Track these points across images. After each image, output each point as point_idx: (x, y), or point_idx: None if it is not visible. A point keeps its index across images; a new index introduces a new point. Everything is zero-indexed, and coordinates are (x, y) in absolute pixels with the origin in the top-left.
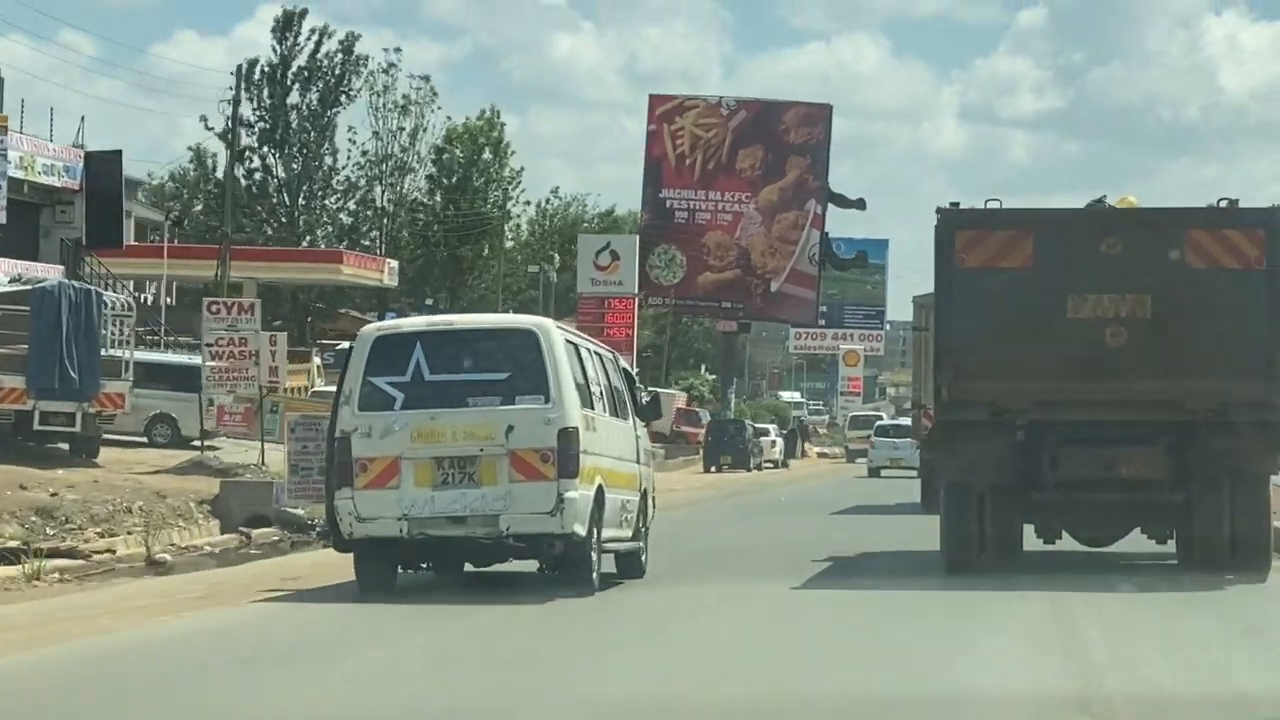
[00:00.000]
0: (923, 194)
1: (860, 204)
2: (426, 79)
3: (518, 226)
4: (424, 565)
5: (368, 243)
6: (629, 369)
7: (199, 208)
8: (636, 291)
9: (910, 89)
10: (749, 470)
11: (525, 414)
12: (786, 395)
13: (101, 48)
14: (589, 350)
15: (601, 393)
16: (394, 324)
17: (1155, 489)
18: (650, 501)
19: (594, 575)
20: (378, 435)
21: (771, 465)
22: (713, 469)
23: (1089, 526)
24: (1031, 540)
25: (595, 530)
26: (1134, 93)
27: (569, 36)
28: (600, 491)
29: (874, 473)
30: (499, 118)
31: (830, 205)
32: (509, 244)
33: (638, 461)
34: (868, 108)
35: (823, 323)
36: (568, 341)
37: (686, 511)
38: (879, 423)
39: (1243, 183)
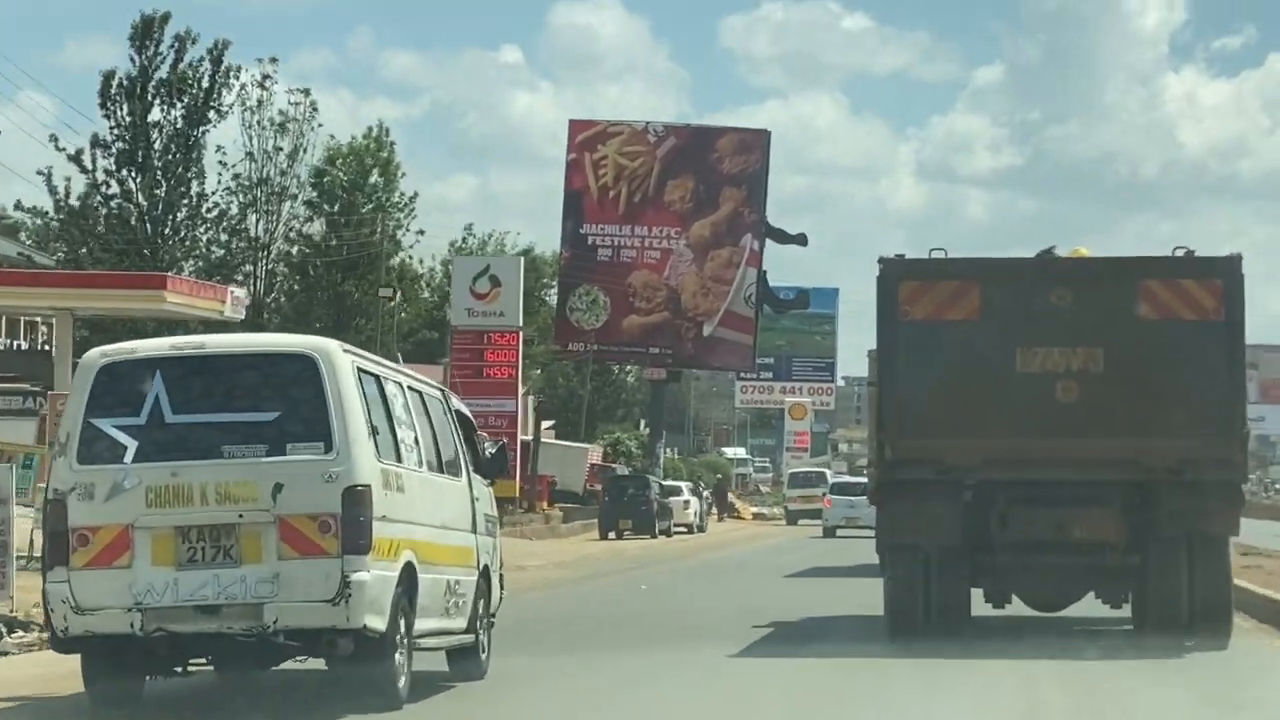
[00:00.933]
0: (880, 249)
1: (801, 239)
2: (306, 92)
3: (412, 260)
4: (178, 669)
5: (240, 278)
6: (465, 412)
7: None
8: (520, 324)
9: (868, 146)
10: (654, 536)
11: (299, 468)
12: (731, 452)
13: None
14: (399, 384)
15: (416, 440)
16: (126, 348)
17: (1110, 551)
18: (495, 581)
19: (399, 684)
20: (101, 497)
21: (685, 530)
22: (610, 535)
23: (1041, 590)
24: (980, 604)
25: (402, 622)
26: (1092, 149)
27: (527, 95)
28: (410, 570)
29: (829, 532)
30: (388, 135)
31: (769, 240)
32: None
33: (473, 530)
34: (826, 164)
35: (769, 375)
36: (362, 371)
37: (539, 595)
38: (835, 480)
39: (1201, 238)
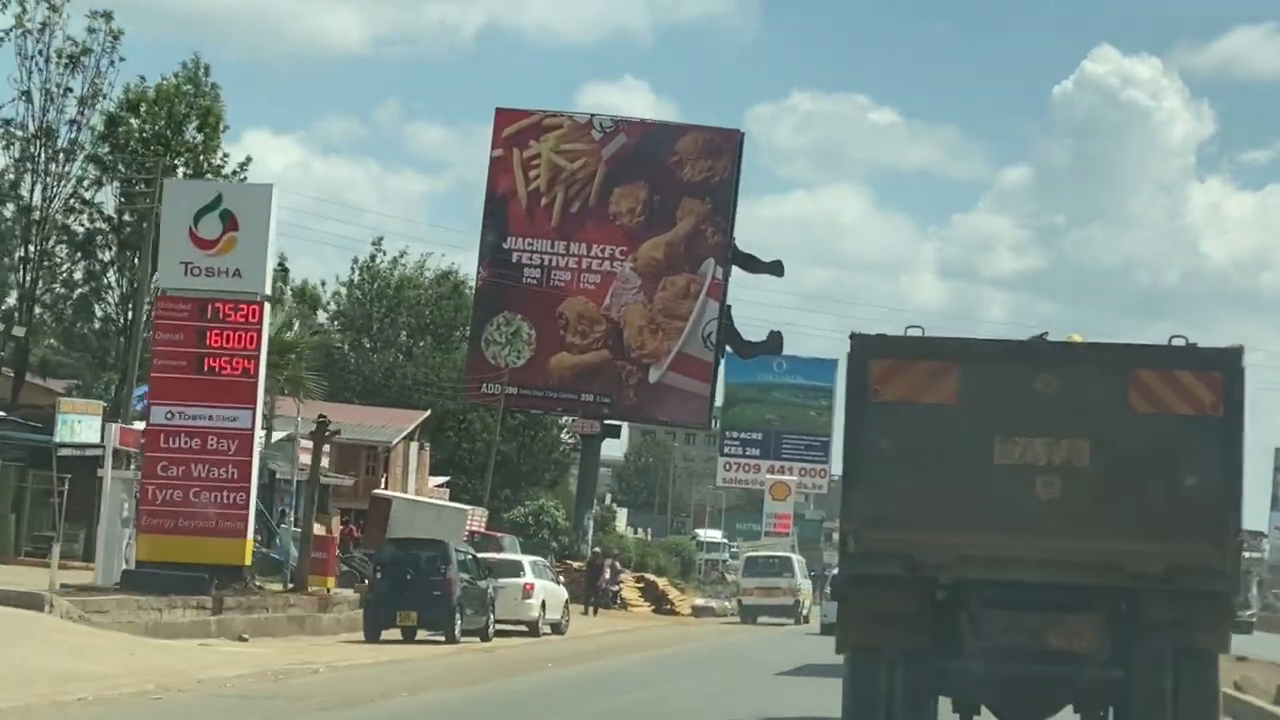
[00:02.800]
0: None
1: (776, 268)
2: (108, 17)
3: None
4: None
5: (6, 260)
6: None
7: None
8: (269, 292)
9: (891, 241)
10: (454, 639)
11: None
12: (705, 534)
13: None
14: None
15: None
16: None
17: (1089, 663)
18: None
19: None
20: None
21: (525, 630)
22: (387, 633)
23: (1013, 702)
24: (947, 714)
25: None
26: (1114, 255)
27: None
28: None
29: (827, 630)
30: (208, 75)
31: (736, 269)
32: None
33: None
34: (848, 258)
35: (755, 452)
36: None
37: None
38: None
39: None
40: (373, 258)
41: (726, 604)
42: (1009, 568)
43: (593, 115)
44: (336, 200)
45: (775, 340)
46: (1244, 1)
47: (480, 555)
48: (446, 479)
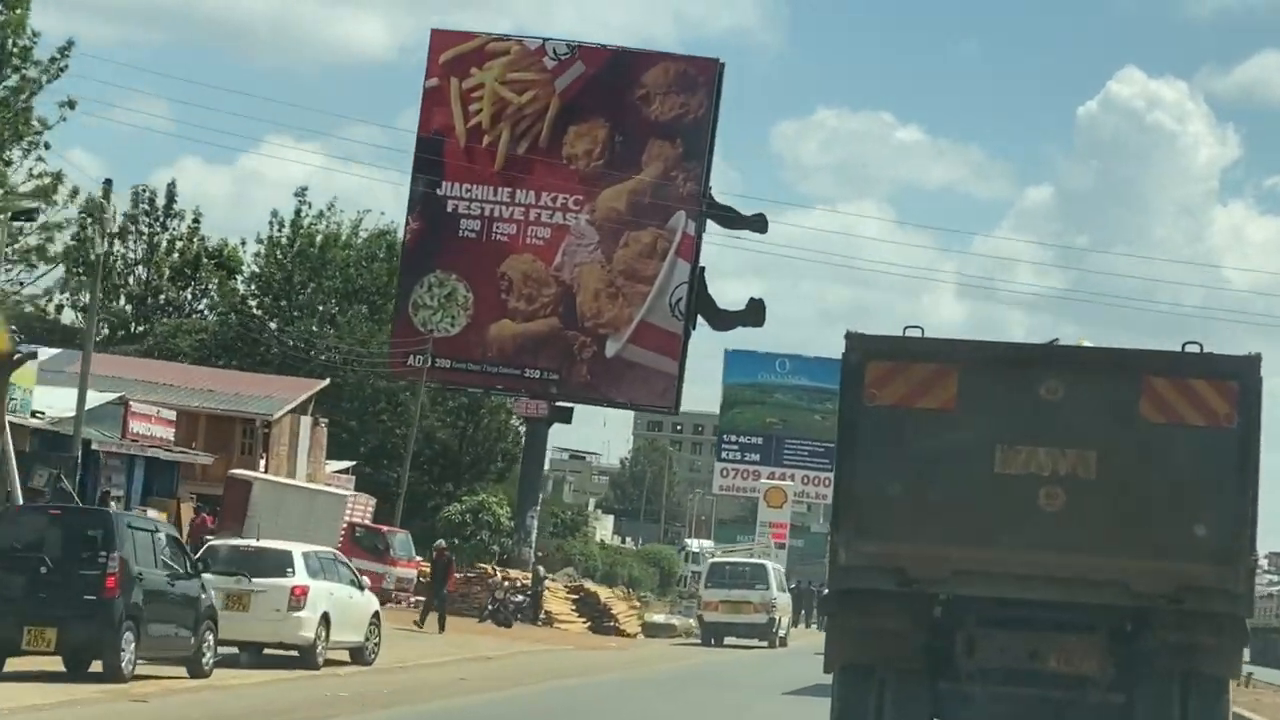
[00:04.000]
0: None
1: (759, 223)
2: None
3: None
4: None
5: None
6: None
7: None
8: None
9: (912, 259)
10: (123, 675)
11: None
12: (697, 544)
13: None
14: None
15: None
16: None
17: (1091, 686)
18: None
19: None
20: None
21: (298, 657)
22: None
23: None
24: None
25: None
26: (1135, 278)
27: None
28: None
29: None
30: None
31: (713, 224)
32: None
33: None
34: (869, 276)
35: (755, 457)
36: None
37: None
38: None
39: None
40: (297, 212)
41: (692, 621)
42: (1008, 584)
43: (545, 40)
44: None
45: (756, 309)
46: (1270, 26)
47: (235, 543)
48: (350, 465)
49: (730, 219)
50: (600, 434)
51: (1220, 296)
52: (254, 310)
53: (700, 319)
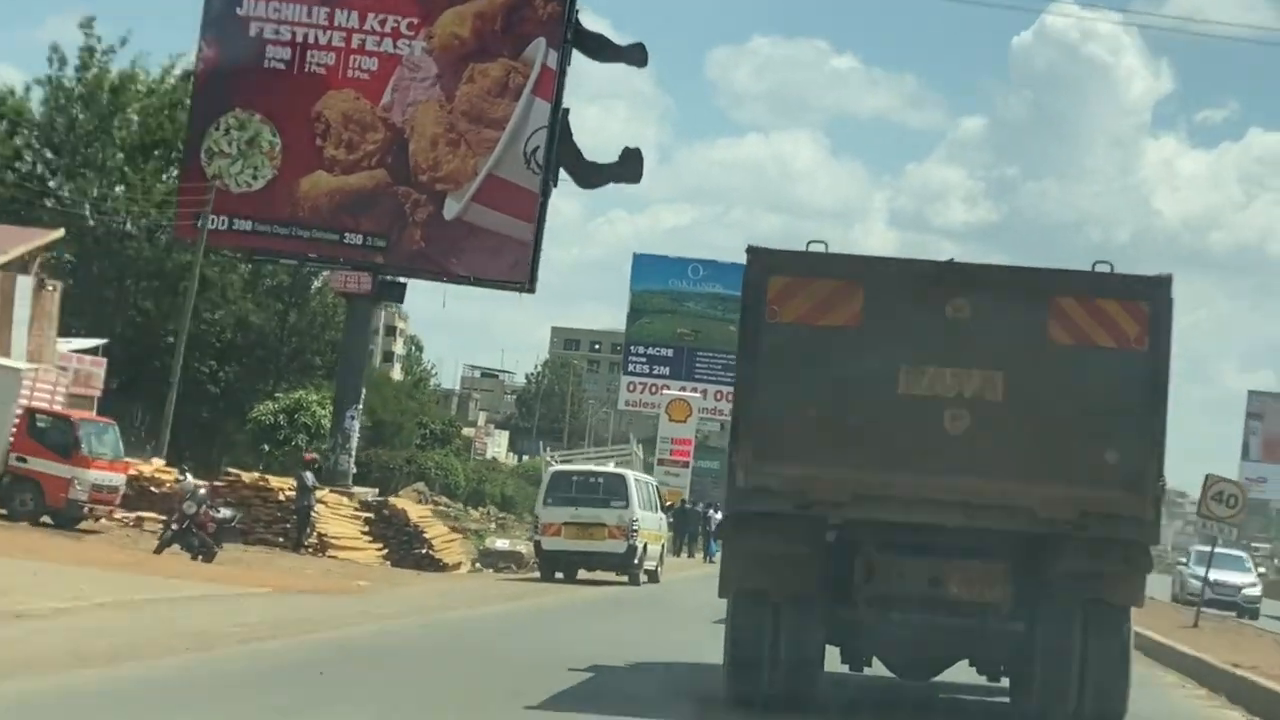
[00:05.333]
0: None
1: (636, 54)
2: None
3: None
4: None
5: None
6: None
7: None
8: None
9: (845, 189)
10: None
11: None
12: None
13: None
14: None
15: None
16: None
17: (992, 613)
18: None
19: None
20: None
21: None
22: None
23: (906, 654)
24: (835, 663)
25: None
26: (1067, 210)
27: None
28: None
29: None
30: None
31: (578, 54)
32: None
33: None
34: (801, 205)
35: (664, 370)
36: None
37: None
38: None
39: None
40: (91, 51)
41: (519, 546)
42: (909, 508)
43: None
44: None
45: (632, 161)
46: None
47: None
48: (100, 343)
49: (601, 49)
50: (516, 353)
51: (1150, 229)
52: (31, 165)
53: (563, 173)
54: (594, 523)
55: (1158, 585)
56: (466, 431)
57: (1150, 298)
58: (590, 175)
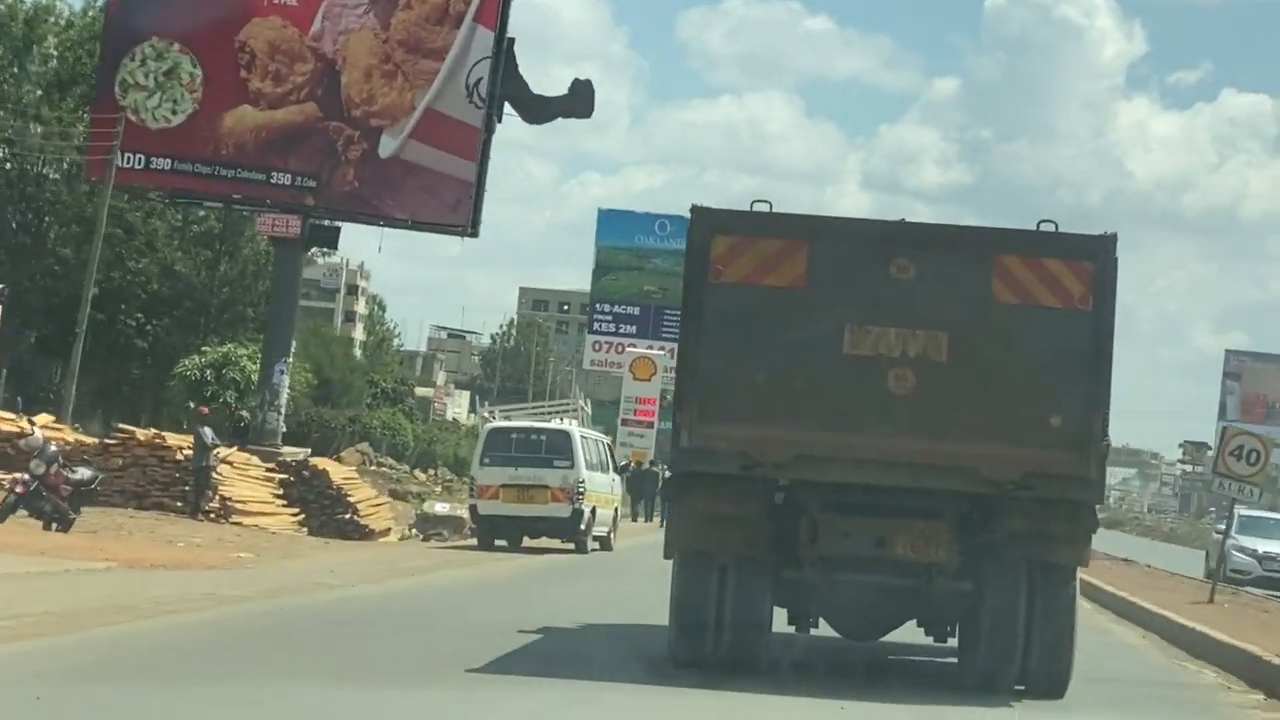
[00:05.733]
0: None
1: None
2: None
3: None
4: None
5: None
6: None
7: None
8: None
9: (818, 150)
10: None
11: None
12: (556, 423)
13: None
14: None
15: None
16: None
17: (938, 574)
18: None
19: None
20: None
21: None
22: None
23: (852, 615)
24: (782, 625)
25: None
26: (1039, 172)
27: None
28: None
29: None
30: None
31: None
32: None
33: None
34: (774, 166)
35: (631, 328)
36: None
37: None
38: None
39: (1140, 269)
40: None
41: (454, 508)
42: (854, 469)
43: None
44: None
45: (582, 93)
46: None
47: None
48: None
49: (541, 109)
50: (486, 315)
51: (1124, 191)
52: None
53: (508, 108)
54: (535, 484)
55: (1186, 561)
56: (427, 392)
57: (1095, 257)
58: (538, 109)
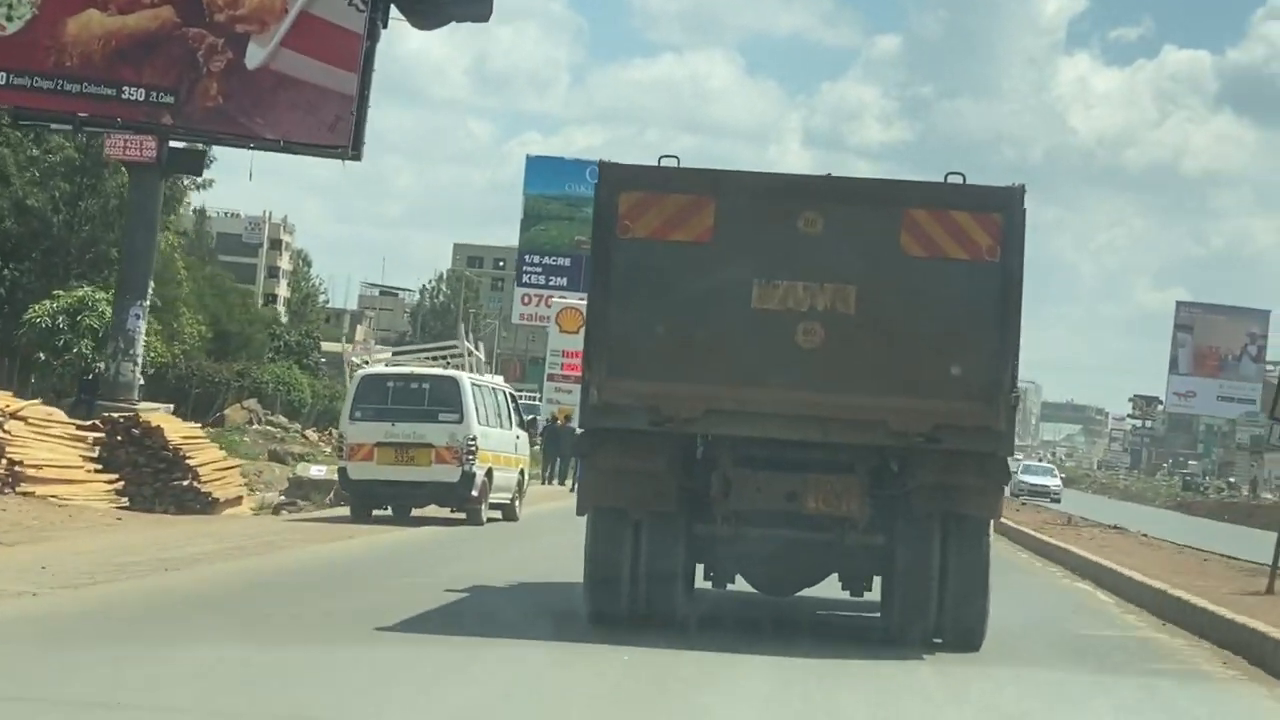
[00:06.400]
0: None
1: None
2: None
3: None
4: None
5: None
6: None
7: None
8: None
9: (760, 108)
10: None
11: None
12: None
13: None
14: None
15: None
16: None
17: (850, 528)
18: None
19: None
20: None
21: None
22: None
23: (766, 570)
24: (700, 581)
25: None
26: (982, 129)
27: (417, 32)
28: None
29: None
30: None
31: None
32: None
33: None
34: (717, 125)
35: (561, 280)
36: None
37: None
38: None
39: (1082, 224)
40: None
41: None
42: (764, 423)
43: None
44: None
45: None
46: None
47: None
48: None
49: (429, 11)
50: (423, 273)
51: (1065, 147)
52: None
53: (395, 11)
54: (416, 442)
55: (1157, 521)
56: (336, 348)
57: (1002, 209)
58: (427, 13)
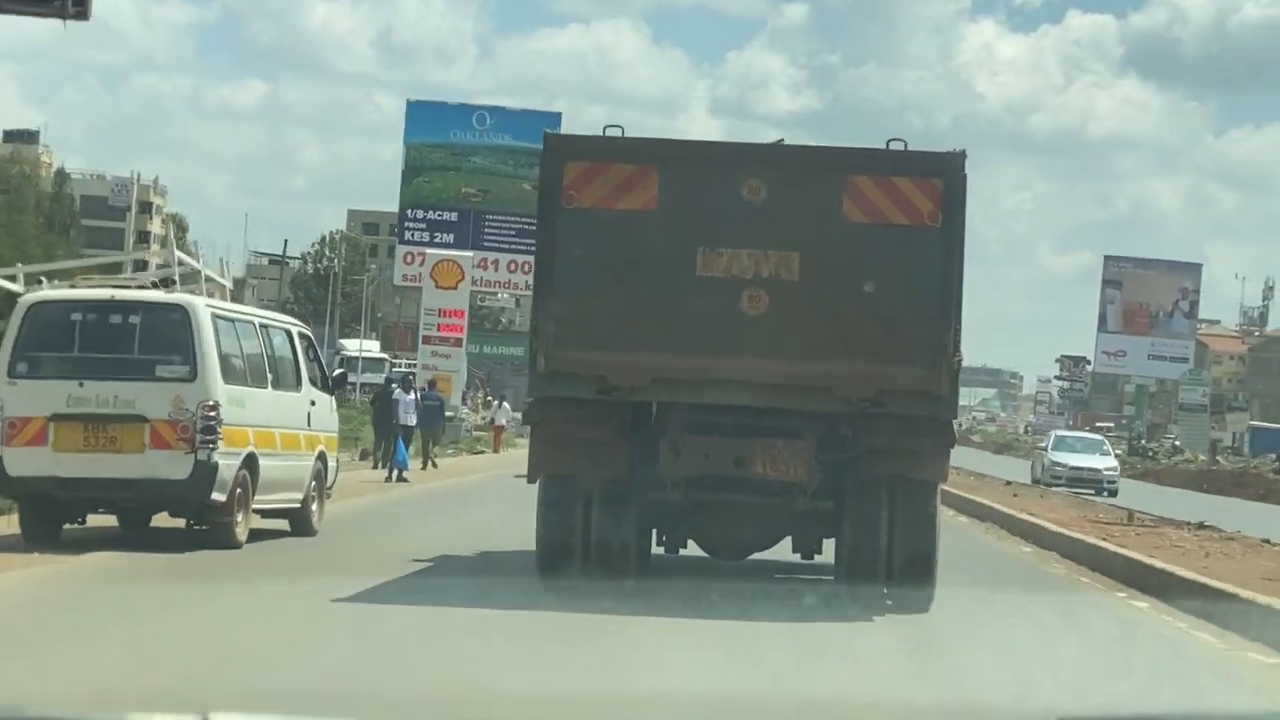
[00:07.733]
0: None
1: None
2: None
3: None
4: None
5: None
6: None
7: None
8: None
9: (667, 78)
10: None
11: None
12: (353, 347)
13: None
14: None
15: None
16: None
17: (798, 492)
18: None
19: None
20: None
21: None
22: None
23: (716, 535)
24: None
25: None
26: (889, 97)
27: (322, 4)
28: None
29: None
30: None
31: None
32: None
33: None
34: (623, 95)
35: (448, 236)
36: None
37: None
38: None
39: (988, 190)
40: None
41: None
42: (710, 390)
43: None
44: None
45: None
46: None
47: None
48: None
49: None
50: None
51: (972, 114)
52: None
53: None
54: (117, 413)
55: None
56: None
57: (943, 174)
58: None
